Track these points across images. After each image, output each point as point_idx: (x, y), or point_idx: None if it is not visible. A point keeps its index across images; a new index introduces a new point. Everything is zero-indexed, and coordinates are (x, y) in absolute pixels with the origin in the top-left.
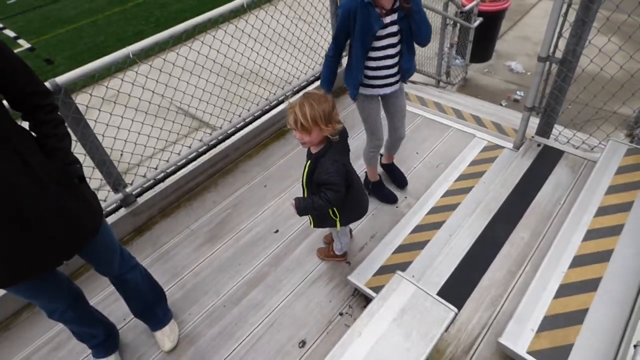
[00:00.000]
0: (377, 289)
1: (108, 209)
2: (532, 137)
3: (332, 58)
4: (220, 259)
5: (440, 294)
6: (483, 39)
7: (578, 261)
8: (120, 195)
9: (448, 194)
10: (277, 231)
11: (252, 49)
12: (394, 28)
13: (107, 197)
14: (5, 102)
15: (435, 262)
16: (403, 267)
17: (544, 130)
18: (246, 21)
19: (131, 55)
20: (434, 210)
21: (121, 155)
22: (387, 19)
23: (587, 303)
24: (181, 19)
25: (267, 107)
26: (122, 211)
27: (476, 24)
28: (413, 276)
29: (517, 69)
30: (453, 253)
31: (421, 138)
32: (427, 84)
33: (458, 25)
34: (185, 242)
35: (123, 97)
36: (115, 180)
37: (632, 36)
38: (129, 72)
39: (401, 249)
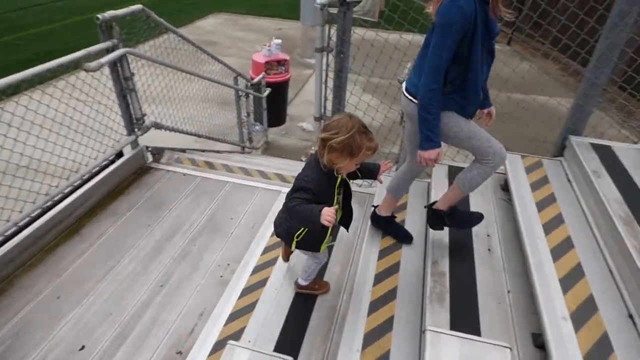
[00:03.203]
0: None
1: None
2: None
3: (440, 88)
4: None
5: (277, 348)
6: (275, 106)
7: (378, 278)
8: None
9: (267, 250)
10: (82, 348)
11: (15, 140)
12: None
13: None
14: None
15: (266, 319)
16: (237, 335)
17: None
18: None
19: None
20: (257, 270)
21: None
22: None
23: (392, 310)
24: None
25: (50, 203)
26: None
27: (266, 93)
28: (249, 341)
29: (308, 128)
30: (281, 305)
31: (233, 203)
32: (233, 151)
33: (250, 96)
34: None
35: None
36: None
37: (387, 93)
38: None
39: (233, 317)
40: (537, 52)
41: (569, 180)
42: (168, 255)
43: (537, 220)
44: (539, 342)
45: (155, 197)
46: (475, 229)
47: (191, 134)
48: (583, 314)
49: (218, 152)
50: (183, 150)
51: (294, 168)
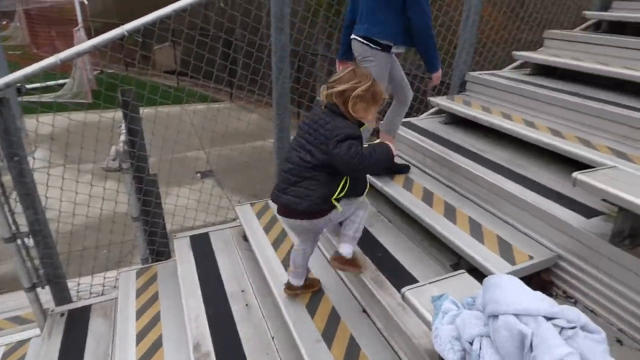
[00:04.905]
0: None
1: None
2: (52, 310)
3: None
4: None
5: None
6: None
7: None
8: None
9: None
10: None
11: None
12: None
13: None
14: None
15: None
16: None
17: (61, 296)
18: None
19: None
20: None
21: None
22: None
23: None
24: None
25: None
26: None
27: None
28: None
29: (28, 244)
30: None
31: None
32: None
33: None
34: None
35: None
36: None
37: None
38: None
39: None
40: (261, 103)
41: None
42: None
43: (276, 259)
44: None
45: None
46: (228, 289)
47: None
48: (329, 328)
49: None
50: None
51: (11, 307)
